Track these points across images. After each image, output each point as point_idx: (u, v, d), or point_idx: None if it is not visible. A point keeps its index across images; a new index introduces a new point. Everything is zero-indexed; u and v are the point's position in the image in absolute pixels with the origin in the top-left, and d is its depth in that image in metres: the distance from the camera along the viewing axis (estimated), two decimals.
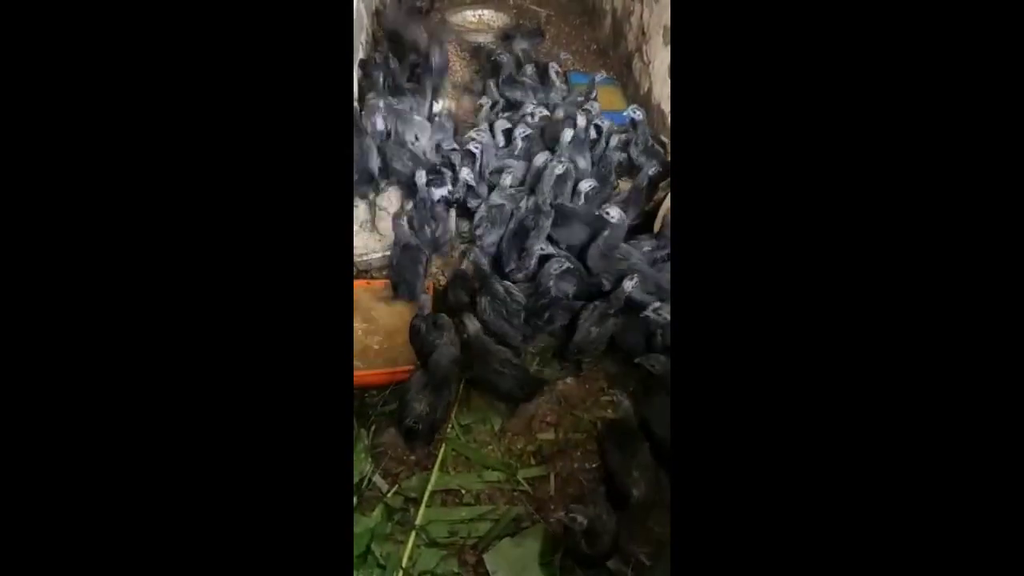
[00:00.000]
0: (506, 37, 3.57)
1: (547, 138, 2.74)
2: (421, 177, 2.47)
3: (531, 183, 2.56)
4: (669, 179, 2.56)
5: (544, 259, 2.27)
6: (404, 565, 1.62)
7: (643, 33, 3.30)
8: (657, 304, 2.01)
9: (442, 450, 1.88)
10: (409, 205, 2.52)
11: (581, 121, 2.64)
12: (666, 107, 2.93)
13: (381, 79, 2.90)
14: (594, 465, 1.86)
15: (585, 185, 2.49)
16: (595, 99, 2.93)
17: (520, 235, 2.34)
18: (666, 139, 2.81)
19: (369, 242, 2.48)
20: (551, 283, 2.15)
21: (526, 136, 2.70)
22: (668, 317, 1.96)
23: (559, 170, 2.45)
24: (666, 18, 2.97)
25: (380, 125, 2.64)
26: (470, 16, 4.05)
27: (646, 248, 2.32)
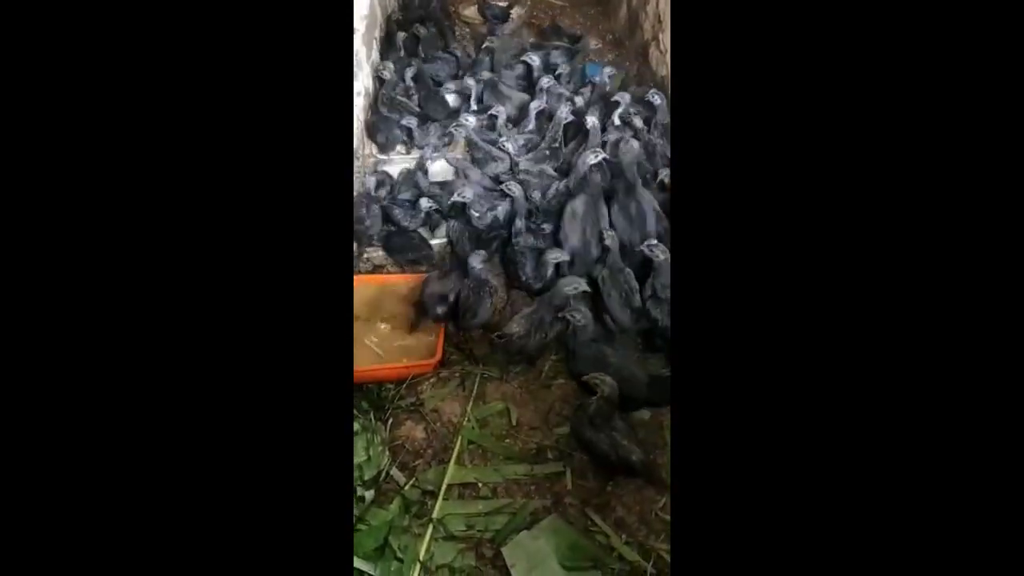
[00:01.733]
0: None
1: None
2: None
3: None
4: None
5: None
6: (422, 558, 1.62)
7: (659, 21, 3.26)
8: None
9: (458, 443, 1.88)
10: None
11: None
12: None
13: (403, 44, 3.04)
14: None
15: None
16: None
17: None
18: None
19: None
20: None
21: (540, 112, 2.72)
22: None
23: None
24: None
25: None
26: None
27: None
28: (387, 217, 2.43)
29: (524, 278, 2.23)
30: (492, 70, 3.00)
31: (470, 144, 2.66)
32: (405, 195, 2.51)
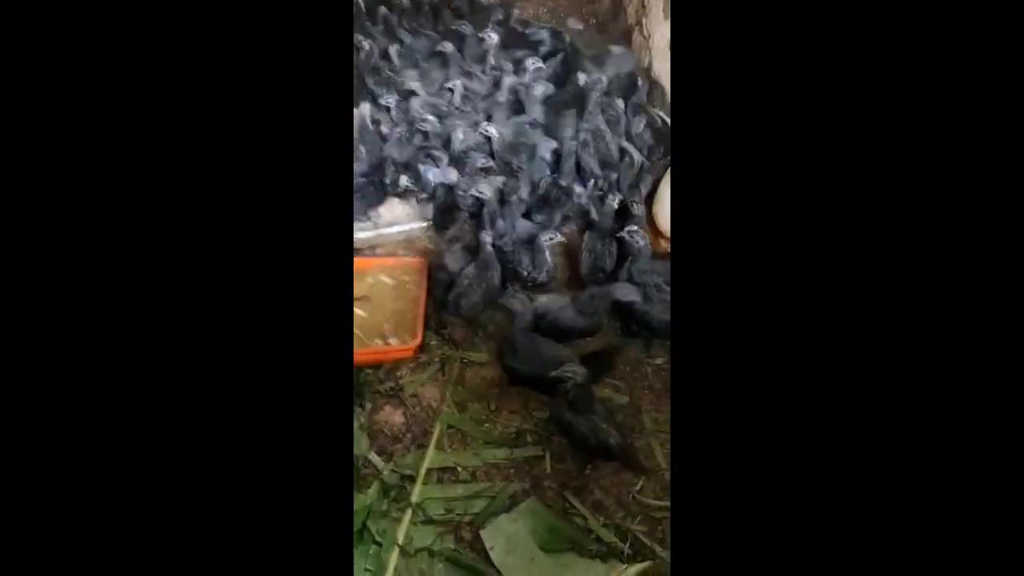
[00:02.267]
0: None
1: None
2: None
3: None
4: (666, 156, 2.53)
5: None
6: (400, 542, 1.63)
7: (643, 6, 3.23)
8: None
9: (437, 427, 1.88)
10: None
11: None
12: (666, 82, 2.87)
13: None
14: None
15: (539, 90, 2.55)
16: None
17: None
18: (666, 116, 2.76)
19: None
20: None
21: (514, 88, 2.69)
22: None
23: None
24: None
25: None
26: None
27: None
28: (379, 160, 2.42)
29: (526, 274, 2.17)
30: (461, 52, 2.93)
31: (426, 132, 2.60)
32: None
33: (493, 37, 2.90)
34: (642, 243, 2.07)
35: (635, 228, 2.10)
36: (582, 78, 2.60)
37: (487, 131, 2.55)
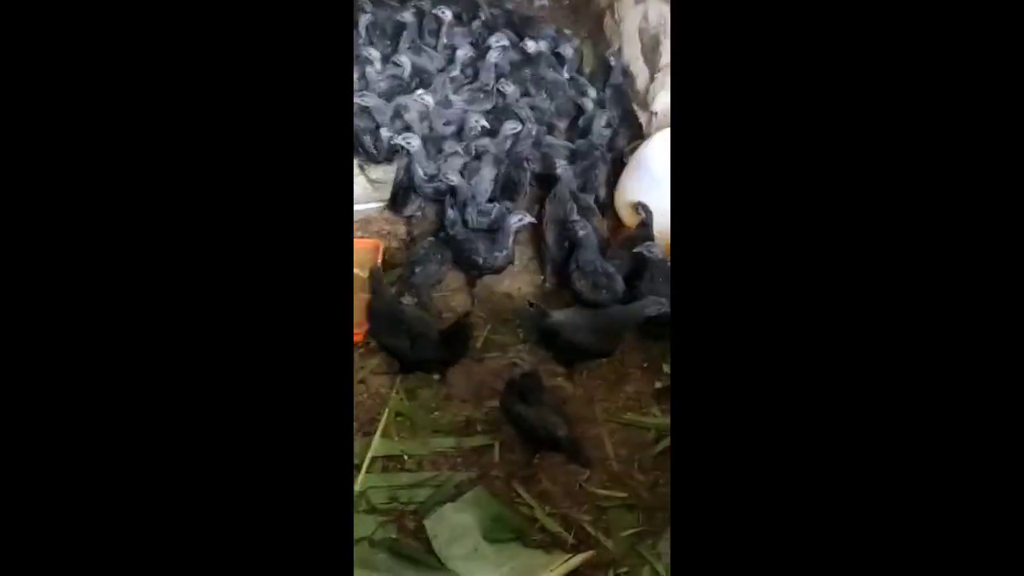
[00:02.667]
0: None
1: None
2: None
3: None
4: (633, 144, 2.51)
5: None
6: None
7: None
8: None
9: (384, 416, 1.84)
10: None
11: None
12: (635, 69, 2.85)
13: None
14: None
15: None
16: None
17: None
18: (637, 107, 2.74)
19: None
20: None
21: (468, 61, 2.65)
22: None
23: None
24: None
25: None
26: None
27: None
28: None
29: (481, 262, 2.09)
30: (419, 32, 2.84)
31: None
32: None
33: (447, 13, 2.78)
34: (582, 233, 2.04)
35: (576, 218, 2.07)
36: (531, 45, 2.57)
37: (421, 99, 2.43)
